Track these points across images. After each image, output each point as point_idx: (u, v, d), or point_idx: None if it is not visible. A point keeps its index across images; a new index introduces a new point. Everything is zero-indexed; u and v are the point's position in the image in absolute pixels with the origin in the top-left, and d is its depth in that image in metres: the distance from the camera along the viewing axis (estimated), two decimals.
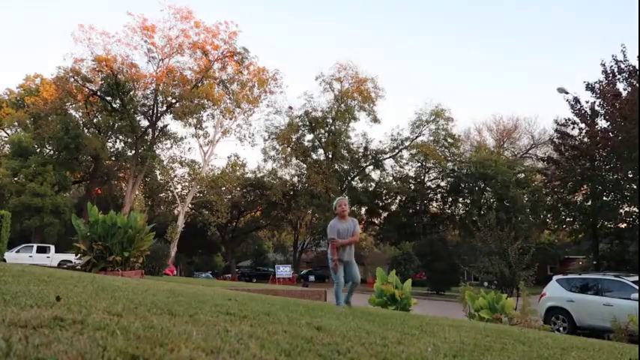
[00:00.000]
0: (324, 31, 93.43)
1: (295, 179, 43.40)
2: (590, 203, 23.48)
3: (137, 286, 4.74)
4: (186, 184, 39.81)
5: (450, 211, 43.16)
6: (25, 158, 31.05)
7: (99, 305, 2.63)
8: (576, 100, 22.65)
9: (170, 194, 42.33)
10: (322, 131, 41.41)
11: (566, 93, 22.61)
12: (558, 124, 24.82)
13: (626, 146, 19.81)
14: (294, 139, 41.07)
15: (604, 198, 22.84)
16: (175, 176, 39.86)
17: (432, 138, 40.64)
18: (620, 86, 21.52)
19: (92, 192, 37.38)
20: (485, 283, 20.43)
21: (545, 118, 66.80)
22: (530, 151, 43.59)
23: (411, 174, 43.62)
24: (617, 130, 20.94)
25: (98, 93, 33.17)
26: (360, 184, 43.86)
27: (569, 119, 23.20)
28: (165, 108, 34.11)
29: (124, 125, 33.33)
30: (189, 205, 38.01)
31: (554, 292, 12.46)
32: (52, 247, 26.47)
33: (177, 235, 32.41)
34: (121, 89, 31.81)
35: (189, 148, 61.74)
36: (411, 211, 43.33)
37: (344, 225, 5.78)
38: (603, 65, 21.65)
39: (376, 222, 46.25)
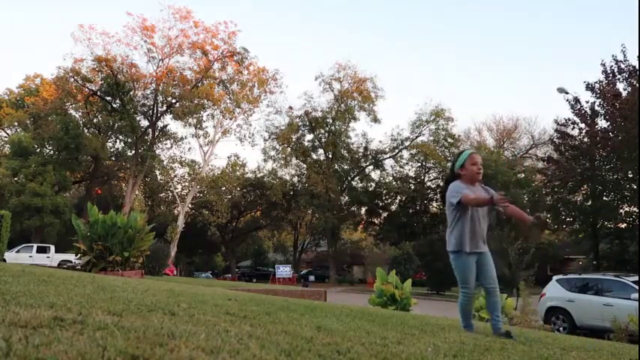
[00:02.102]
0: (324, 31, 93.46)
1: (295, 179, 43.40)
2: (590, 203, 23.48)
3: (137, 286, 4.74)
4: (186, 184, 39.83)
5: None
6: (25, 158, 31.04)
7: (99, 305, 2.63)
8: (576, 100, 22.65)
9: (170, 194, 42.33)
10: (322, 131, 41.39)
11: (566, 93, 22.61)
12: (558, 124, 24.82)
13: (626, 146, 19.81)
14: (294, 139, 41.06)
15: (604, 198, 22.84)
16: (175, 176, 39.91)
17: (432, 138, 40.65)
18: (620, 86, 21.54)
19: (92, 192, 37.39)
20: None
21: (545, 118, 66.68)
22: (530, 151, 43.56)
23: (411, 174, 43.65)
24: (617, 130, 20.95)
25: (98, 93, 33.17)
26: (360, 184, 43.85)
27: (569, 119, 23.20)
28: (165, 108, 34.11)
29: (124, 125, 33.33)
30: (189, 205, 38.01)
31: (554, 292, 12.46)
32: (52, 247, 26.47)
33: (177, 235, 32.42)
34: (120, 89, 31.82)
35: (189, 148, 61.76)
36: (411, 211, 43.31)
37: (476, 190, 3.76)
38: (603, 65, 21.66)
39: (376, 222, 46.26)
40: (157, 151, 35.79)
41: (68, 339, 1.60)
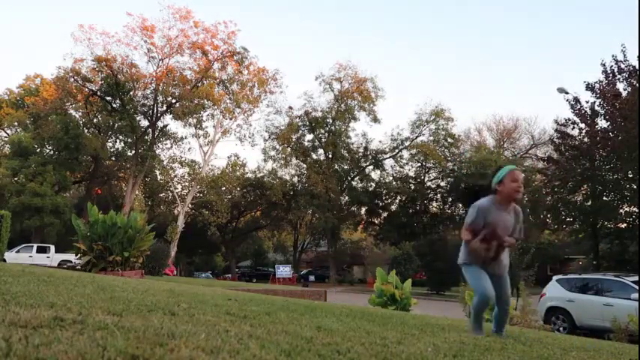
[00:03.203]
0: (324, 31, 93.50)
1: (295, 179, 43.41)
2: (590, 203, 23.47)
3: (137, 286, 4.74)
4: (186, 184, 39.83)
5: (450, 211, 43.13)
6: (25, 158, 31.04)
7: (99, 305, 2.63)
8: (576, 100, 22.66)
9: (170, 194, 42.33)
10: (322, 131, 41.39)
11: (566, 93, 22.60)
12: (558, 124, 24.83)
13: (626, 146, 19.81)
14: (294, 139, 41.05)
15: (604, 198, 22.83)
16: (175, 176, 39.91)
17: (432, 138, 40.62)
18: (620, 86, 21.54)
19: (92, 192, 37.38)
20: None
21: (545, 118, 66.67)
22: (530, 151, 43.55)
23: (411, 174, 43.61)
24: (617, 130, 20.95)
25: (98, 93, 33.16)
26: (360, 184, 43.84)
27: (569, 119, 23.21)
28: (165, 108, 34.10)
29: (124, 125, 33.32)
30: (189, 205, 38.01)
31: (554, 292, 12.45)
32: (52, 247, 26.46)
33: (177, 235, 32.42)
34: (120, 89, 31.80)
35: (189, 148, 61.84)
36: (411, 211, 43.28)
37: (502, 214, 3.42)
38: (603, 65, 21.66)
39: (376, 222, 46.24)
40: (157, 151, 35.80)
41: (68, 339, 1.60)
